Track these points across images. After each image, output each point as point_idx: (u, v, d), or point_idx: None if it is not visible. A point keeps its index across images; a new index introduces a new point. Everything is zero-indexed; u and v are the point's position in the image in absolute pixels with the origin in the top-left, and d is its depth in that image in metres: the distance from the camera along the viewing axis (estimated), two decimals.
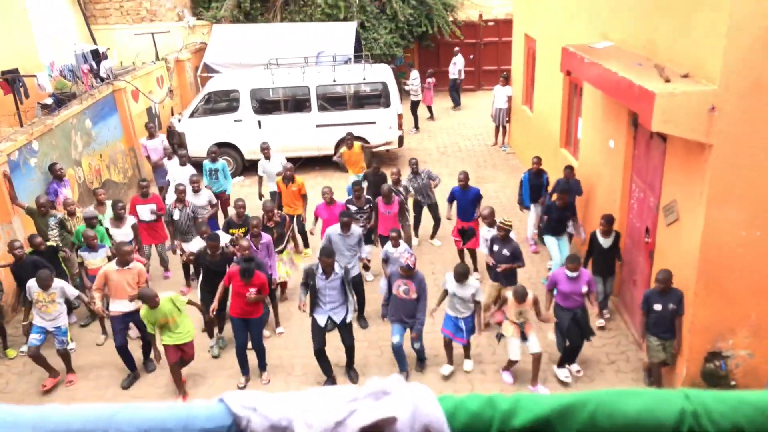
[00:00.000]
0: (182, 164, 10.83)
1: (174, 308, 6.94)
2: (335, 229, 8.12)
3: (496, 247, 7.93)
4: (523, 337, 7.07)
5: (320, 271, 6.98)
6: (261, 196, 10.80)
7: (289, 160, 10.93)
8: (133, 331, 8.30)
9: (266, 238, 8.03)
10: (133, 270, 7.35)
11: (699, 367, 6.66)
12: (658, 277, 6.53)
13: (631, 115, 7.74)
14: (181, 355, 7.17)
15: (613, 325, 8.22)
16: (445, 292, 7.26)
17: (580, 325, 7.09)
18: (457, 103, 18.99)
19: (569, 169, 9.29)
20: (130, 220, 8.99)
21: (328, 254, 6.95)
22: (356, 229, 8.21)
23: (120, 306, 7.37)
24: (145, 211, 9.37)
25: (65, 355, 7.54)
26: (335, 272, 7.00)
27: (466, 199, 9.23)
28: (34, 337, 7.26)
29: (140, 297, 6.83)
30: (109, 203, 9.33)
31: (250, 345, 7.38)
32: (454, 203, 9.49)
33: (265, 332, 8.10)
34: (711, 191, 5.93)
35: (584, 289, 6.98)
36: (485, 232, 8.44)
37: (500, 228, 7.87)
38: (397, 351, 7.27)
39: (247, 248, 7.36)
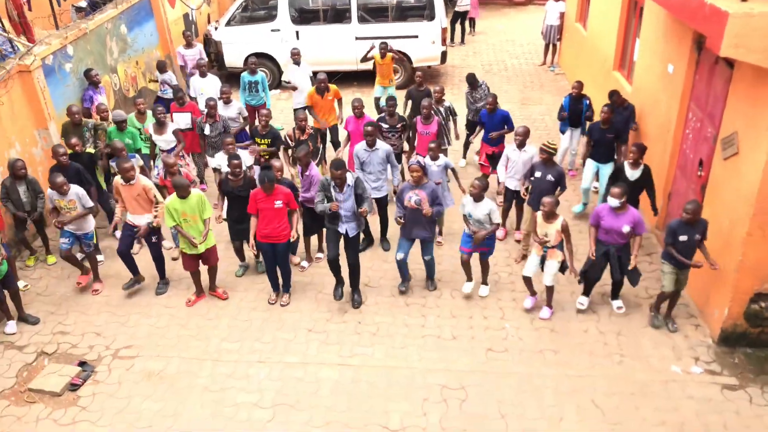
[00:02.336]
0: (202, 75, 10.52)
1: (199, 208, 6.98)
2: (361, 145, 7.93)
3: (537, 174, 7.58)
4: (543, 260, 6.89)
5: (333, 184, 6.83)
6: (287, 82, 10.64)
7: (326, 73, 10.52)
8: (168, 242, 8.42)
9: (314, 171, 7.60)
10: (137, 186, 7.31)
11: (742, 308, 6.44)
12: (687, 208, 6.27)
13: (696, 38, 7.16)
14: (203, 262, 7.30)
15: (655, 258, 7.95)
16: (465, 218, 7.09)
17: (616, 261, 6.80)
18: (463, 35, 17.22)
19: (616, 94, 8.76)
20: (171, 125, 8.98)
21: (336, 166, 6.72)
22: (383, 145, 7.97)
23: (133, 218, 7.48)
24: (182, 120, 9.29)
25: (92, 260, 7.73)
26: (348, 184, 6.84)
27: (493, 122, 8.81)
28: (63, 241, 7.53)
29: (174, 184, 6.89)
30: (149, 112, 9.29)
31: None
32: (481, 131, 9.18)
33: (295, 259, 8.13)
34: None
35: (625, 228, 6.59)
36: (510, 152, 8.04)
37: (543, 150, 7.50)
38: (401, 264, 7.38)
39: (280, 169, 7.22)
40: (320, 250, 8.29)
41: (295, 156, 7.38)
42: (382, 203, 8.23)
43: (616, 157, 8.66)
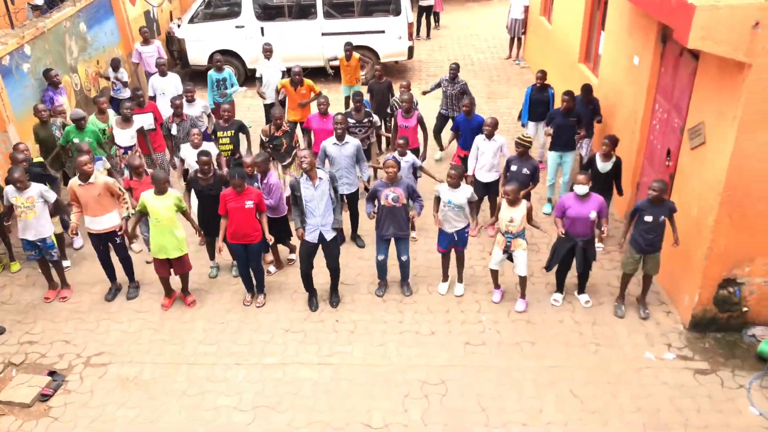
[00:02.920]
0: (162, 74, 10.24)
1: (174, 209, 6.84)
2: (329, 140, 7.85)
3: (513, 167, 7.64)
4: (508, 255, 6.92)
5: (304, 177, 6.67)
6: (262, 95, 10.47)
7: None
8: (138, 245, 8.24)
9: (273, 180, 7.43)
10: (97, 184, 7.02)
11: (711, 294, 6.59)
12: (654, 186, 6.33)
13: (661, 30, 7.28)
14: (174, 270, 7.12)
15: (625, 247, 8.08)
16: (438, 200, 7.01)
17: (581, 254, 6.85)
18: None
19: (587, 89, 8.81)
20: (137, 123, 8.75)
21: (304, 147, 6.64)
22: (352, 140, 7.91)
23: (94, 224, 7.14)
24: (144, 121, 9.04)
25: (58, 267, 7.45)
26: (320, 178, 6.69)
27: (470, 127, 8.81)
28: (30, 254, 7.25)
29: (153, 178, 6.73)
30: (111, 112, 9.04)
31: None
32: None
33: (268, 257, 8.04)
34: (744, 114, 5.61)
35: (593, 214, 6.66)
36: (480, 142, 8.05)
37: (518, 144, 7.56)
38: (382, 265, 7.36)
39: (250, 165, 7.11)
40: (292, 251, 8.18)
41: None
42: (352, 199, 8.17)
43: (578, 146, 8.76)
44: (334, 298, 7.35)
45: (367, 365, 6.51)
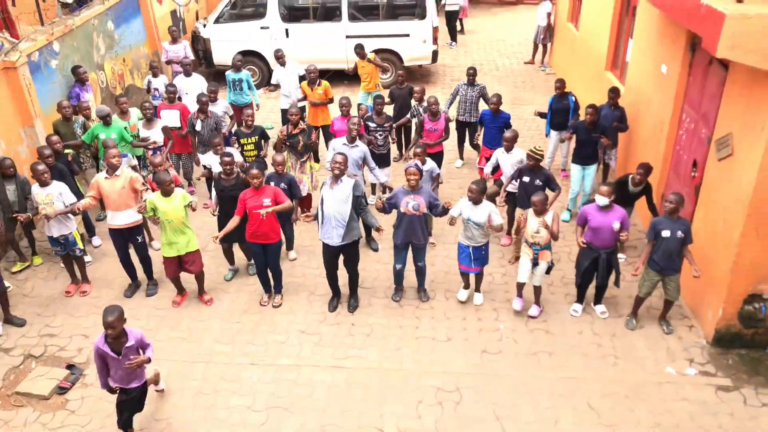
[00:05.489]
0: (187, 75, 10.42)
1: (184, 208, 6.93)
2: (340, 140, 7.91)
3: (526, 179, 7.64)
4: (535, 263, 6.91)
5: (330, 181, 6.71)
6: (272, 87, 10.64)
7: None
8: (158, 242, 8.34)
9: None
10: (122, 177, 7.18)
11: (736, 309, 6.50)
12: (669, 199, 6.33)
13: (690, 39, 7.22)
14: (186, 267, 7.20)
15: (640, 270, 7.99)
16: (453, 219, 6.95)
17: (605, 265, 6.82)
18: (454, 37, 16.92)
19: (614, 92, 8.74)
20: (160, 122, 8.97)
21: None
22: (362, 145, 7.94)
23: (115, 219, 7.29)
24: (171, 117, 9.22)
25: (79, 262, 7.61)
26: (340, 181, 6.69)
27: (496, 124, 8.83)
28: (56, 249, 7.48)
29: (155, 180, 6.83)
30: (133, 110, 9.19)
31: None
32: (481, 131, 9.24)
33: (291, 254, 8.18)
34: None
35: (616, 225, 6.63)
36: (500, 155, 8.07)
37: (530, 156, 7.54)
38: (399, 274, 7.39)
39: (281, 163, 7.25)
40: (290, 247, 8.25)
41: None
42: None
43: (604, 158, 8.73)
44: (353, 302, 7.38)
45: (382, 370, 6.53)
